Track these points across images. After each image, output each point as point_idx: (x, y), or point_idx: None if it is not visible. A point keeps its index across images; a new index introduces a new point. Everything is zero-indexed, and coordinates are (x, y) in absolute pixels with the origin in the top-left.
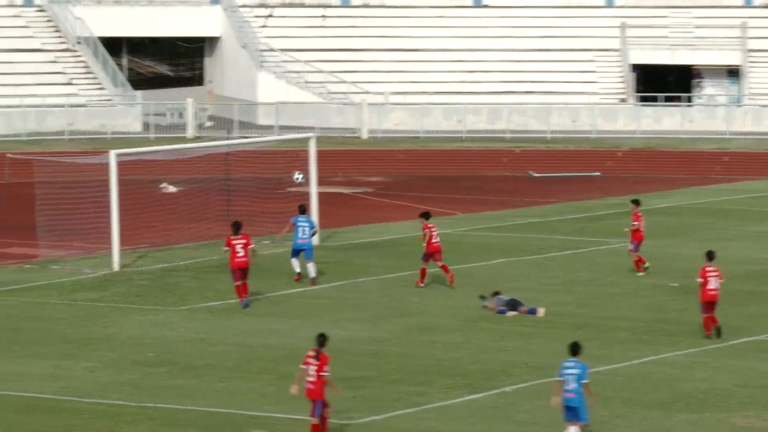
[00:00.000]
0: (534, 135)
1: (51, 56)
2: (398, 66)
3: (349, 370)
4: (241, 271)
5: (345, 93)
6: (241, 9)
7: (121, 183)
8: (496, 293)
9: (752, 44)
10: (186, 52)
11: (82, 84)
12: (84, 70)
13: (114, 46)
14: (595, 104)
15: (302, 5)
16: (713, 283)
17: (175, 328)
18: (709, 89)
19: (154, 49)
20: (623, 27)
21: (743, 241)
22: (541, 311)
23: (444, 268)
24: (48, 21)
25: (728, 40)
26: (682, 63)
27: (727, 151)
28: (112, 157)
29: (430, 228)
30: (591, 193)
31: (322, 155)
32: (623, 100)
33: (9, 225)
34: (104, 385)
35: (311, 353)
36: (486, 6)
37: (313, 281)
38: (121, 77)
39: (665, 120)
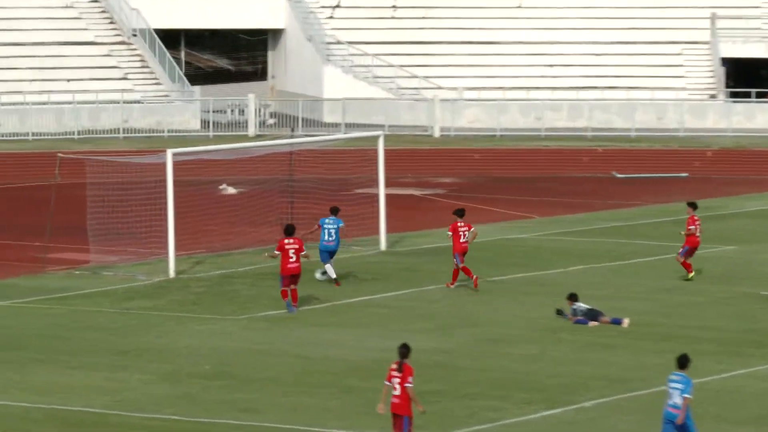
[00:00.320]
0: (617, 133)
1: (105, 50)
2: (473, 59)
3: (418, 384)
4: (292, 278)
5: (416, 88)
6: None
7: (178, 184)
8: (573, 296)
9: None
10: (247, 45)
11: (137, 79)
12: (139, 65)
13: (171, 38)
14: (682, 100)
15: None
16: None
17: (234, 339)
18: None
19: (213, 41)
20: (713, 18)
21: None
22: (625, 321)
23: (466, 270)
24: (102, 12)
25: None
26: None
27: None
28: (169, 156)
29: (460, 227)
30: (677, 195)
31: (390, 155)
32: (713, 96)
33: (59, 228)
34: (158, 399)
35: (394, 366)
36: None
37: (337, 282)
38: (179, 72)
39: (758, 117)
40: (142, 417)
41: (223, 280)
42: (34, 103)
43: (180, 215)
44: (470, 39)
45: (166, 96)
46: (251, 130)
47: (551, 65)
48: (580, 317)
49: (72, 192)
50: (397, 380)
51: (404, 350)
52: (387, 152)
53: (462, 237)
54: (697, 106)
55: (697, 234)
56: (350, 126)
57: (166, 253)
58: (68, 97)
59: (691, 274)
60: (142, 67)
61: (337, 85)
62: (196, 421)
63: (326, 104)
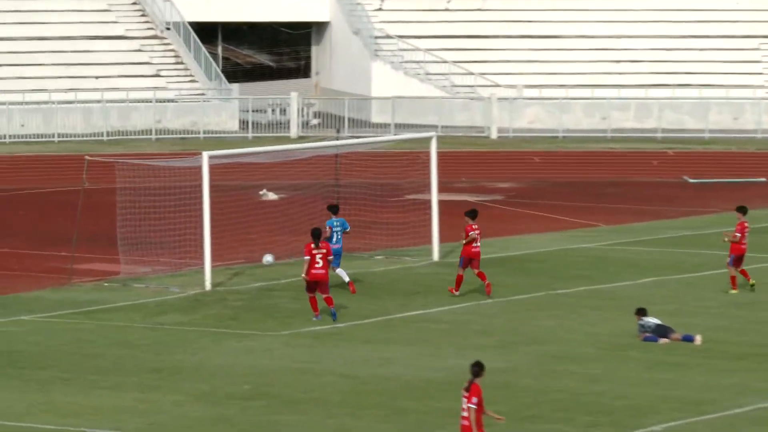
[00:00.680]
0: (690, 135)
1: (136, 44)
2: (533, 55)
3: None
4: (318, 284)
5: (471, 86)
6: None
7: (215, 189)
8: (641, 310)
9: None
10: (289, 39)
11: (171, 76)
12: (173, 60)
13: (207, 32)
14: (760, 99)
15: None
16: None
17: (274, 356)
18: None
19: (253, 36)
20: None
21: None
22: (698, 339)
23: (481, 275)
24: (133, 4)
25: None
26: None
27: None
28: (205, 159)
29: (474, 230)
30: (755, 201)
31: (444, 157)
32: None
33: (87, 237)
34: (193, 421)
35: (465, 385)
36: None
37: (351, 283)
38: (216, 68)
39: None
40: None
41: (263, 293)
42: (60, 102)
43: (216, 223)
44: (530, 33)
45: (202, 94)
46: (293, 131)
47: (618, 61)
48: (649, 334)
49: (101, 198)
50: (465, 400)
51: (476, 369)
52: (440, 155)
53: (476, 242)
54: None
55: (744, 242)
56: (400, 127)
57: (202, 263)
58: (97, 96)
59: (752, 281)
60: (176, 63)
61: (386, 82)
62: None
63: (374, 103)
